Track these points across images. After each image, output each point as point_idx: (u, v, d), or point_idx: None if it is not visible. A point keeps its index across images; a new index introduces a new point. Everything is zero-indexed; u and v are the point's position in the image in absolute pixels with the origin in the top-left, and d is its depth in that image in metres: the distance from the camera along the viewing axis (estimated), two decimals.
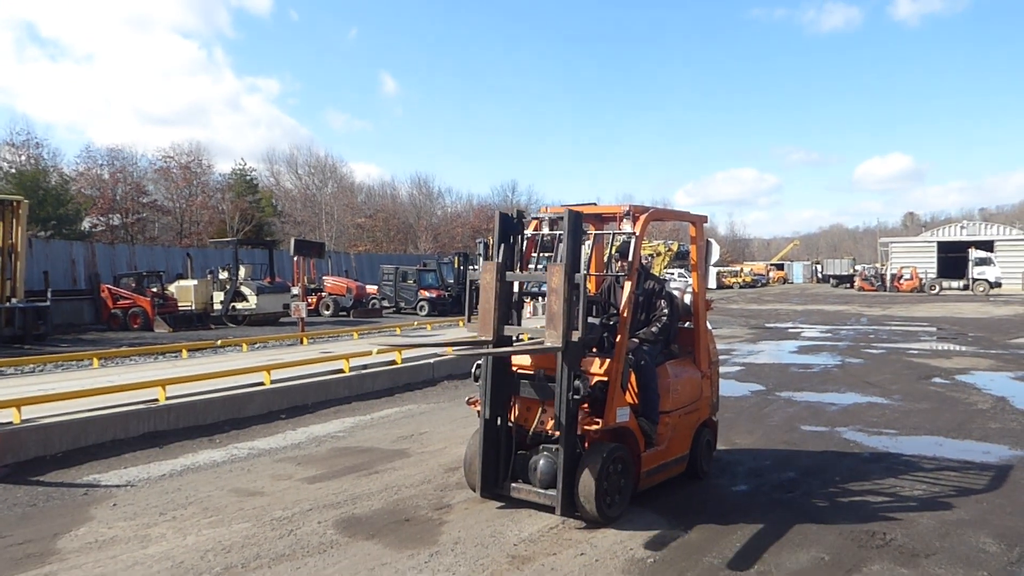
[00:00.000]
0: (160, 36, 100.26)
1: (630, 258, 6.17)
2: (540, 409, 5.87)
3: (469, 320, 6.46)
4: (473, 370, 6.17)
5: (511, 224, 6.14)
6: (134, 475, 7.19)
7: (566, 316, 5.48)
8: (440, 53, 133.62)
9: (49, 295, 21.41)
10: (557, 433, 5.64)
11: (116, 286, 25.06)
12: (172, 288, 26.17)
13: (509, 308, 6.11)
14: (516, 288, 6.22)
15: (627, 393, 5.97)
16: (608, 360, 5.84)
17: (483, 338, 6.00)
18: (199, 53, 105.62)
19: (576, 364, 5.57)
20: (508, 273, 5.99)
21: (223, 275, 26.53)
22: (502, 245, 6.03)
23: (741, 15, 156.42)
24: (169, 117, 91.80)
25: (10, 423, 7.78)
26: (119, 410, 8.74)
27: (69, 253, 28.11)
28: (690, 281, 7.30)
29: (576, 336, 5.50)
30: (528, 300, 6.58)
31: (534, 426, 5.89)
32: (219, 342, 16.97)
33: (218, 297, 26.08)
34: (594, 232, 7.28)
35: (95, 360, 13.87)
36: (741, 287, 66.93)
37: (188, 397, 9.58)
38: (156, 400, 9.25)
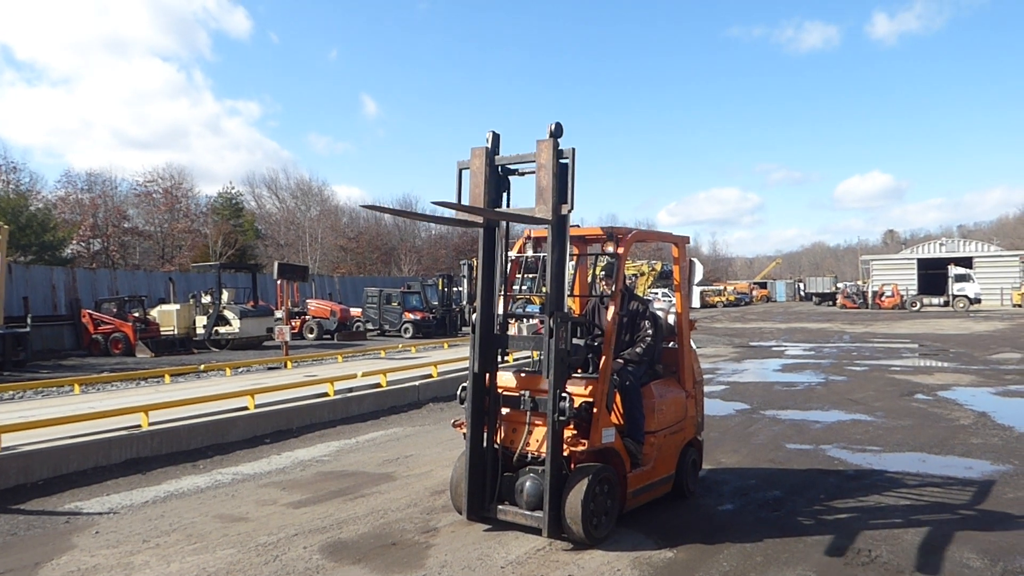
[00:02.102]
0: (138, 59, 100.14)
1: (614, 279, 6.20)
2: (526, 430, 5.87)
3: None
4: (459, 392, 6.17)
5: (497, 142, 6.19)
6: (116, 502, 7.12)
7: (556, 190, 5.61)
8: (420, 74, 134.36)
9: (29, 321, 21.23)
10: (543, 454, 5.65)
11: (97, 311, 24.89)
12: (154, 313, 26.00)
13: (499, 194, 6.12)
14: (502, 305, 6.22)
15: (612, 414, 5.99)
16: (593, 381, 5.87)
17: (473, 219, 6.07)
18: (178, 76, 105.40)
19: (564, 234, 5.65)
20: (497, 157, 6.03)
21: (206, 299, 26.40)
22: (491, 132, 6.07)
23: (720, 34, 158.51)
24: (148, 140, 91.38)
25: None
26: (101, 437, 8.67)
27: (49, 278, 27.88)
28: (674, 300, 7.34)
29: (566, 209, 5.64)
30: (512, 322, 6.59)
31: (520, 448, 5.89)
32: (202, 367, 16.85)
33: (201, 321, 25.92)
34: (578, 254, 7.34)
35: (76, 386, 13.74)
36: (725, 306, 67.23)
37: (171, 423, 9.51)
38: (138, 426, 9.17)
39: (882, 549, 5.57)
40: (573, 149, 5.67)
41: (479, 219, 6.02)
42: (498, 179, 6.09)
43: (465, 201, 6.07)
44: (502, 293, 6.90)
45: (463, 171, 6.14)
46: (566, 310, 5.75)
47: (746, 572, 5.18)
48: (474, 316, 6.05)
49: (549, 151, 5.64)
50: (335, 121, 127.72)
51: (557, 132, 5.68)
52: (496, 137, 6.06)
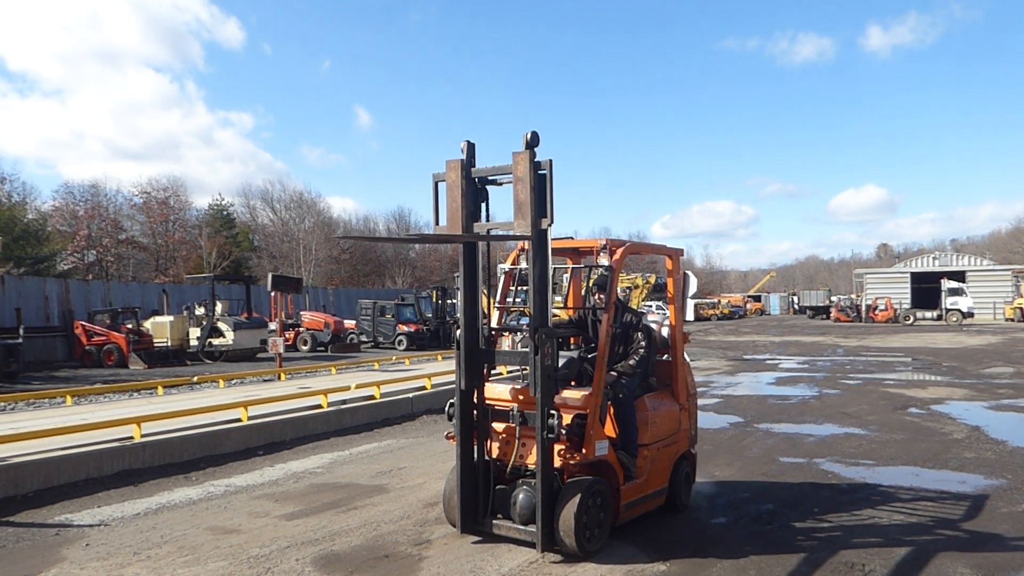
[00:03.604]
0: (131, 70, 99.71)
1: (607, 291, 6.20)
2: (518, 443, 5.84)
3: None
4: (447, 408, 6.13)
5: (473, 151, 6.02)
6: (108, 514, 7.07)
7: (535, 204, 5.44)
8: (413, 86, 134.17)
9: (22, 332, 21.14)
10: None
11: (90, 323, 24.82)
12: (148, 324, 25.93)
13: (477, 206, 5.97)
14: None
15: (605, 426, 5.98)
16: (586, 393, 5.86)
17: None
18: (171, 87, 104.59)
19: (545, 249, 5.50)
20: (473, 169, 5.87)
21: (199, 311, 26.36)
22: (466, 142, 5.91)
23: (713, 46, 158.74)
24: (141, 152, 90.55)
25: None
26: (93, 448, 8.63)
27: (43, 290, 27.80)
28: (667, 313, 7.35)
29: (545, 224, 5.47)
30: (506, 335, 6.58)
31: (512, 460, 5.86)
32: (195, 378, 16.81)
33: (194, 333, 25.87)
34: (572, 266, 7.34)
35: (68, 398, 13.69)
36: (719, 319, 67.33)
37: (164, 434, 9.47)
38: (131, 438, 9.14)
39: (875, 563, 5.56)
40: (550, 160, 5.50)
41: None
42: (475, 190, 5.94)
43: (443, 214, 5.95)
44: (496, 305, 6.91)
45: (439, 183, 5.97)
46: (558, 322, 5.74)
47: None
48: (458, 332, 5.96)
49: (526, 163, 5.47)
50: (328, 133, 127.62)
51: (533, 142, 5.51)
52: (471, 147, 5.90)
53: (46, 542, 6.28)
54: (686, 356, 7.22)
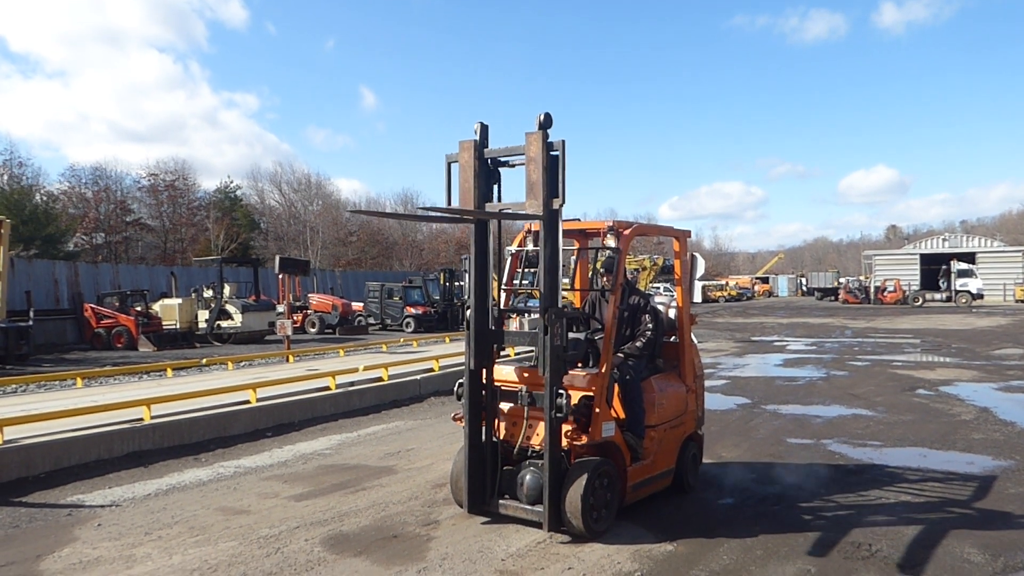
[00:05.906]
0: (134, 50, 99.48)
1: (614, 273, 6.19)
2: (526, 424, 5.87)
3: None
4: (456, 388, 6.17)
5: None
6: (119, 495, 7.14)
7: (546, 184, 5.50)
8: (419, 66, 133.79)
9: (31, 315, 21.25)
10: (543, 448, 5.64)
11: (99, 305, 24.94)
12: (156, 307, 26.04)
13: (489, 187, 6.03)
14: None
15: (612, 408, 5.99)
16: (593, 375, 5.87)
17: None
18: (175, 68, 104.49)
19: (556, 229, 5.57)
20: (486, 150, 5.91)
21: (208, 293, 26.46)
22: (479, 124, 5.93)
23: (723, 24, 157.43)
24: (145, 133, 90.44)
25: None
26: (103, 430, 8.69)
27: (52, 273, 27.91)
28: (675, 295, 7.34)
29: (557, 204, 5.54)
30: (514, 316, 6.58)
31: (520, 441, 5.89)
32: (204, 360, 16.89)
33: (203, 315, 25.99)
34: (579, 247, 7.34)
35: (78, 380, 13.76)
36: (727, 301, 67.24)
37: (173, 416, 9.53)
38: (141, 419, 9.20)
39: (882, 543, 5.57)
40: (563, 141, 5.55)
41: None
42: (488, 171, 5.98)
43: (455, 194, 6.00)
44: (503, 287, 6.91)
45: (452, 164, 6.03)
46: (564, 304, 5.74)
47: (746, 566, 5.19)
48: (468, 312, 5.99)
49: (538, 144, 5.50)
50: (334, 114, 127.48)
51: (546, 123, 5.54)
52: (484, 129, 5.93)
53: (59, 522, 6.35)
54: (693, 338, 7.22)
